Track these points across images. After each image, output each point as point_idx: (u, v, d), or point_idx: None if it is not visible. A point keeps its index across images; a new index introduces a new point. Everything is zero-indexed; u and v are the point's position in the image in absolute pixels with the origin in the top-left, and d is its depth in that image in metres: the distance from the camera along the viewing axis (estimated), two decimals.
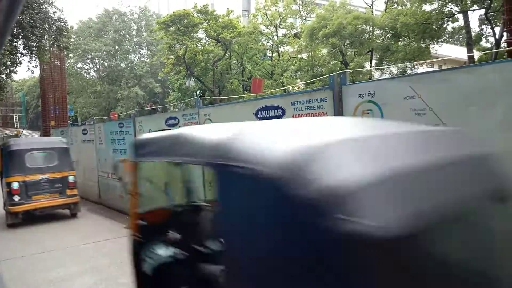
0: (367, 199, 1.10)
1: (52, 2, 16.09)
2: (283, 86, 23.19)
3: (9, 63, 15.43)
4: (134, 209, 2.60)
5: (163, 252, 2.43)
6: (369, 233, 1.01)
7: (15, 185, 8.00)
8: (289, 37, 26.36)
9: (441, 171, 1.36)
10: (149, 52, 41.33)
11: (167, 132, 2.34)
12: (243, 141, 1.53)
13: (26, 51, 15.99)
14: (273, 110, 4.62)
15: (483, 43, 20.17)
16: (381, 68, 21.09)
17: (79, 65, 39.38)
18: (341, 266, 1.10)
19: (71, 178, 8.65)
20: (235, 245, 1.45)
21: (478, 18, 18.79)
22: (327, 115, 3.96)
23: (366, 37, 21.28)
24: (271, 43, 27.45)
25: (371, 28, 21.29)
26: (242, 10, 37.99)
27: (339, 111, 3.84)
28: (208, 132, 1.82)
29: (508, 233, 1.46)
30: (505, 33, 9.42)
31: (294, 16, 27.37)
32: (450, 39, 21.56)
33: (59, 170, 8.50)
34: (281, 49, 27.23)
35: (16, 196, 7.97)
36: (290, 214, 1.21)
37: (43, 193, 8.29)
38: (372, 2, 23.32)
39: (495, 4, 16.44)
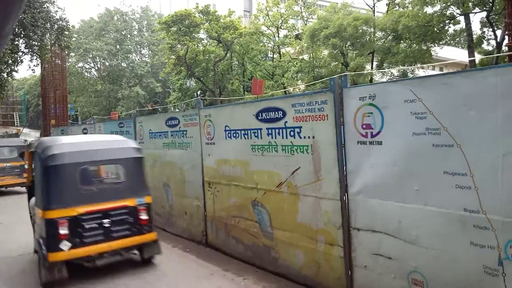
0: (58, 157, 4.79)
1: (54, 1, 16.13)
2: (284, 87, 23.19)
3: (10, 61, 15.45)
4: (29, 175, 6.19)
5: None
6: (56, 163, 4.76)
7: None
8: (290, 38, 26.36)
9: (90, 152, 5.15)
10: (150, 52, 41.34)
11: (38, 139, 7.44)
12: (41, 142, 5.32)
13: (27, 50, 16.03)
14: (273, 112, 4.62)
15: (485, 45, 20.16)
16: (382, 71, 21.08)
17: (80, 64, 39.40)
18: (51, 174, 4.78)
19: (26, 166, 12.52)
20: (36, 176, 5.31)
21: (480, 21, 18.79)
22: (327, 118, 3.96)
23: (367, 38, 21.27)
24: (272, 44, 27.46)
25: (372, 29, 21.29)
26: (244, 10, 38.01)
27: (339, 113, 3.83)
28: (41, 138, 6.27)
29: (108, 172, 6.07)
30: (506, 37, 9.40)
31: (295, 17, 27.38)
32: (452, 42, 21.54)
33: (18, 160, 11.93)
34: (282, 50, 27.24)
35: None
36: (42, 163, 4.87)
37: (7, 175, 12.50)
38: (374, 4, 23.32)
39: (497, 7, 16.44)
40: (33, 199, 5.65)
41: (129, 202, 5.06)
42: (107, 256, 4.93)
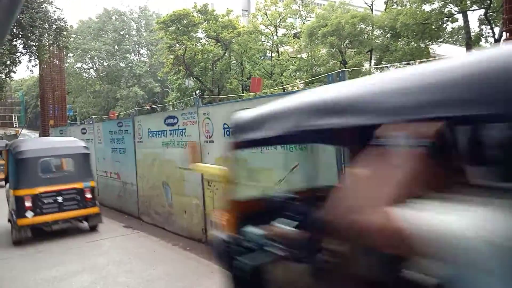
0: (24, 153, 6.84)
1: (52, 2, 16.06)
2: (282, 86, 23.18)
3: (8, 62, 15.41)
4: (6, 167, 7.66)
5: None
6: (22, 157, 6.78)
7: None
8: (288, 37, 26.34)
9: (47, 149, 7.31)
10: (148, 51, 41.29)
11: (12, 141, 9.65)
12: (13, 143, 7.64)
13: (25, 50, 15.97)
14: None
15: (483, 43, 20.15)
16: (380, 68, 21.09)
17: (79, 64, 39.32)
18: (18, 165, 6.78)
19: None
20: (10, 167, 7.31)
21: (478, 18, 18.78)
22: None
23: (366, 36, 21.27)
24: (271, 43, 27.43)
25: (370, 27, 21.29)
26: (242, 9, 37.97)
27: None
28: (14, 140, 9.60)
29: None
30: (504, 33, 9.40)
31: (294, 16, 27.35)
32: (450, 39, 21.54)
33: (2, 159, 12.21)
34: (281, 49, 27.22)
35: None
36: (13, 157, 6.95)
37: None
38: (372, 2, 23.31)
39: (495, 4, 16.44)
40: (8, 184, 7.59)
41: (77, 185, 7.09)
42: (60, 223, 7.01)
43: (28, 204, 6.62)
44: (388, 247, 0.95)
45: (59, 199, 6.86)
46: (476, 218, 0.88)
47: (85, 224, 7.54)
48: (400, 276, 1.10)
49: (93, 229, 7.42)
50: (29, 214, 6.60)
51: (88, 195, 7.14)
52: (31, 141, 8.23)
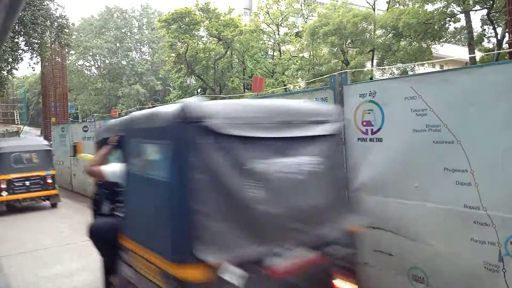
0: (1, 149, 9.19)
1: None
2: (284, 85, 23.16)
3: (10, 59, 15.39)
4: None
5: None
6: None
7: None
8: (290, 35, 26.30)
9: (18, 146, 9.89)
10: (150, 49, 41.28)
11: None
12: None
13: (27, 47, 15.94)
14: None
15: (485, 43, 20.09)
16: (383, 68, 21.05)
17: (80, 62, 39.32)
18: None
19: None
20: None
21: (480, 19, 18.72)
22: None
23: (367, 36, 21.21)
24: (273, 41, 27.39)
25: (372, 26, 21.22)
26: (244, 8, 37.90)
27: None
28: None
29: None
30: (507, 34, 9.38)
31: (296, 14, 27.29)
32: (452, 39, 21.46)
33: None
34: (283, 48, 27.18)
35: None
36: None
37: None
38: (374, 1, 23.24)
39: (498, 4, 16.38)
40: None
41: (41, 173, 9.41)
42: (28, 200, 9.30)
43: (3, 186, 8.87)
44: (99, 177, 3.55)
45: (27, 183, 9.16)
46: (116, 167, 3.33)
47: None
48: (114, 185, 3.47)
49: (53, 206, 9.78)
50: (4, 193, 8.90)
51: (49, 181, 9.48)
52: (6, 141, 10.98)
